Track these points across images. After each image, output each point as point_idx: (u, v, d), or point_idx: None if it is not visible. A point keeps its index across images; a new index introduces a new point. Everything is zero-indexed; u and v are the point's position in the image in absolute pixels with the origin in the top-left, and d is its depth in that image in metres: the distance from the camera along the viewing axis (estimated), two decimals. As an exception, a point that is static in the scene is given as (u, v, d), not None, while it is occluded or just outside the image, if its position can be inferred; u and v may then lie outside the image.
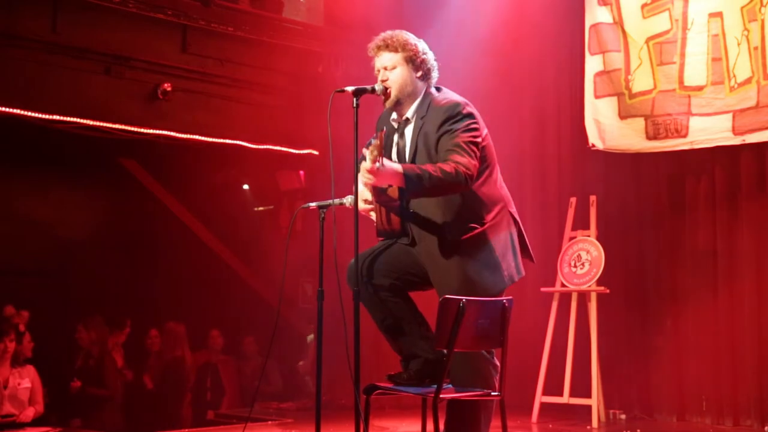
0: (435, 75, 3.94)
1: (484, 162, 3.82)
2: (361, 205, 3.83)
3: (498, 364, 3.84)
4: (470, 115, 3.79)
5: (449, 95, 3.90)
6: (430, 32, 4.21)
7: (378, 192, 3.76)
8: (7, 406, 6.88)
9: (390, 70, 3.85)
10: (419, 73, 3.87)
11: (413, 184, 3.56)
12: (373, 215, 3.90)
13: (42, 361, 7.82)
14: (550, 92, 7.66)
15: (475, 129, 3.78)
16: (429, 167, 3.60)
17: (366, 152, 3.49)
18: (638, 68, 6.89)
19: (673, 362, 6.82)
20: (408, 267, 3.88)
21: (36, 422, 7.10)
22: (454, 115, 3.76)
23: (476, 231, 3.78)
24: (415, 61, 3.85)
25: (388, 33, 3.90)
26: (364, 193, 3.81)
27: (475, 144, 3.74)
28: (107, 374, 8.32)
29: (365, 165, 3.50)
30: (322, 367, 4.06)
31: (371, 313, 3.89)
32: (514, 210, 3.95)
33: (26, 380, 7.04)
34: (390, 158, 3.90)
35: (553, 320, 6.87)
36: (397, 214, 3.85)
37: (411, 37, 3.91)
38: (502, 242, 3.84)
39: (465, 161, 3.64)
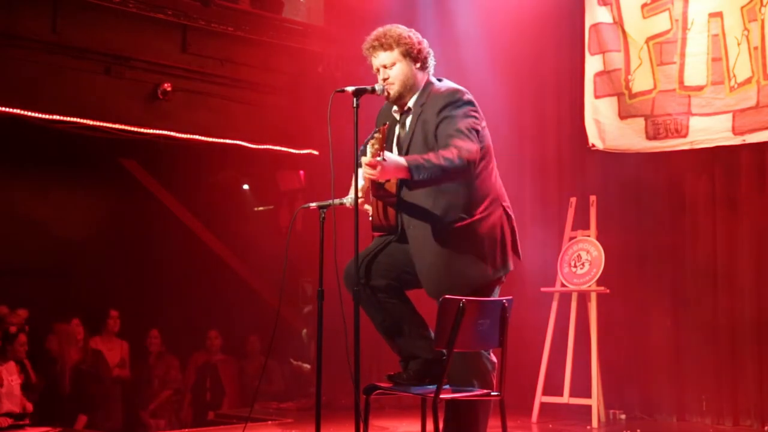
0: (432, 61, 3.94)
1: (481, 153, 3.80)
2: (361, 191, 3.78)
3: (495, 360, 3.84)
4: (470, 102, 3.80)
5: (449, 84, 3.91)
6: (430, 32, 4.21)
7: (376, 186, 3.76)
8: (6, 404, 6.85)
9: (390, 68, 3.85)
10: (418, 65, 3.87)
11: (417, 175, 3.54)
12: (368, 208, 3.88)
13: (42, 360, 7.85)
14: (550, 92, 7.65)
15: (475, 116, 3.78)
16: (431, 156, 3.58)
17: (368, 145, 3.49)
18: (638, 68, 6.89)
19: (673, 362, 6.82)
20: (404, 266, 3.87)
21: (35, 422, 7.09)
22: (454, 101, 3.76)
23: (465, 222, 3.76)
24: (412, 54, 3.85)
25: (380, 31, 3.88)
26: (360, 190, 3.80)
27: (476, 129, 3.74)
28: (101, 374, 8.31)
29: (366, 159, 3.49)
30: (322, 367, 4.06)
31: (369, 314, 3.88)
32: (507, 204, 3.93)
33: (15, 376, 7.01)
34: (391, 149, 3.90)
35: (553, 320, 6.87)
36: (394, 207, 3.84)
37: (403, 30, 3.89)
38: (491, 235, 3.81)
39: (467, 145, 3.63)
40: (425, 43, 3.92)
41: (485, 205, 3.82)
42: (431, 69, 3.94)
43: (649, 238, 7.01)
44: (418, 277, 3.87)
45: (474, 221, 3.77)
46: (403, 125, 3.93)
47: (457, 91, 3.81)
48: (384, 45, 3.84)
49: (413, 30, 3.93)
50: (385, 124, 3.61)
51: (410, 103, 3.89)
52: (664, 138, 6.78)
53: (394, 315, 3.85)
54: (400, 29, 3.89)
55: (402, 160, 3.56)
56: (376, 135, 3.46)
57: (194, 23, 7.62)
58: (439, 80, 3.95)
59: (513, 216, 3.94)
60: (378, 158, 3.43)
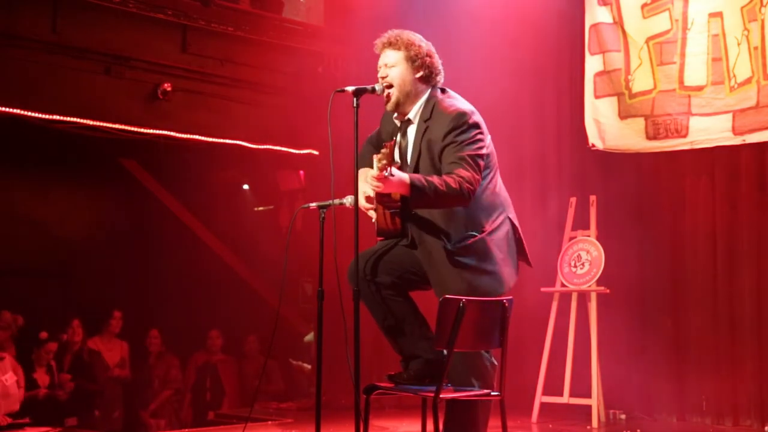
0: (440, 79, 3.93)
1: (486, 169, 3.82)
2: (362, 203, 3.83)
3: (496, 361, 3.84)
4: (476, 125, 3.79)
5: (455, 102, 3.88)
6: (431, 33, 4.20)
7: (380, 194, 3.77)
8: (4, 406, 6.80)
9: (390, 68, 3.86)
10: (420, 74, 3.86)
11: (418, 195, 3.59)
12: (372, 214, 3.89)
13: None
14: (550, 92, 7.65)
15: (480, 140, 3.78)
16: (435, 179, 3.61)
17: (374, 159, 3.50)
18: (638, 68, 6.89)
19: (673, 362, 6.82)
20: (409, 266, 3.89)
21: (36, 422, 7.08)
22: (460, 125, 3.75)
23: (475, 238, 3.79)
24: (416, 61, 3.85)
25: (396, 31, 3.90)
26: (366, 191, 3.81)
27: (480, 157, 3.75)
28: (97, 372, 8.31)
29: (372, 172, 3.51)
30: (322, 367, 4.06)
31: (372, 312, 3.89)
32: (513, 215, 3.96)
33: (9, 373, 6.94)
34: (392, 165, 3.90)
35: (553, 320, 6.87)
36: (398, 215, 3.85)
37: (417, 38, 3.90)
38: (501, 249, 3.85)
39: (468, 176, 3.66)
40: (436, 58, 3.92)
41: (493, 220, 3.85)
42: (438, 85, 3.93)
43: (649, 238, 7.01)
44: (422, 280, 3.89)
45: (484, 236, 3.81)
46: (404, 134, 3.93)
47: (464, 113, 3.78)
48: (393, 44, 3.86)
49: (430, 43, 3.93)
50: (392, 140, 3.64)
51: (411, 114, 3.89)
52: (664, 138, 6.78)
53: (396, 314, 3.86)
54: (414, 36, 3.91)
55: (406, 177, 3.59)
56: (383, 150, 3.48)
57: (194, 23, 7.62)
58: (443, 91, 3.93)
59: (519, 226, 3.96)
60: (385, 173, 3.45)
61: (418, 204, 3.68)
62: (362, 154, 3.99)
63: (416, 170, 3.82)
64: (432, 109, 3.84)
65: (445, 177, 3.64)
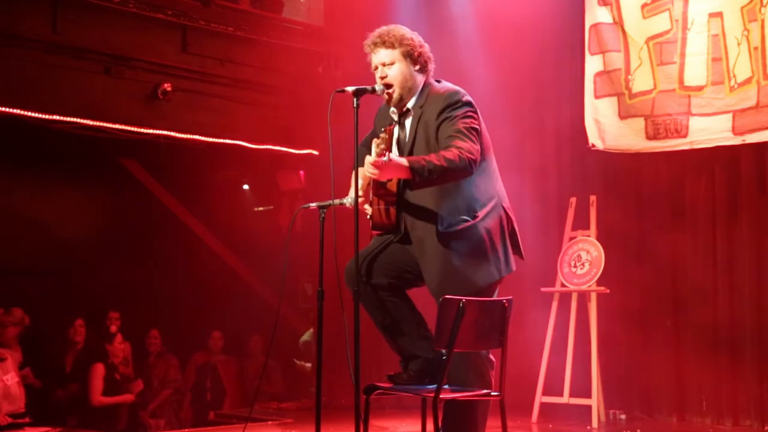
0: (432, 66, 3.95)
1: (480, 153, 3.82)
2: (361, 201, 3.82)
3: (493, 359, 3.85)
4: (469, 103, 3.82)
5: (448, 85, 3.92)
6: (430, 32, 4.21)
7: (377, 185, 3.77)
8: (6, 406, 6.78)
9: (388, 67, 3.86)
10: (417, 67, 3.88)
11: (419, 176, 3.57)
12: (367, 208, 3.89)
13: (38, 360, 7.84)
14: (550, 92, 7.65)
15: (473, 116, 3.80)
16: (432, 157, 3.60)
17: (373, 144, 3.49)
18: (638, 68, 6.89)
19: (673, 362, 6.82)
20: (404, 265, 3.88)
21: (36, 422, 7.07)
22: (454, 103, 3.78)
23: (468, 224, 3.78)
24: (412, 56, 3.86)
25: (384, 29, 3.91)
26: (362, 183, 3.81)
27: (476, 129, 3.76)
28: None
29: (370, 159, 3.50)
30: (322, 367, 4.06)
31: (370, 313, 3.89)
32: (507, 205, 3.94)
33: (11, 374, 6.91)
34: (390, 150, 3.90)
35: (553, 320, 6.87)
36: (393, 207, 3.85)
37: (407, 32, 3.91)
38: (493, 236, 3.83)
39: (467, 146, 3.65)
40: (426, 47, 3.93)
41: (487, 207, 3.84)
42: (431, 73, 3.95)
43: (649, 238, 7.01)
44: (418, 277, 3.88)
45: (477, 223, 3.79)
46: (402, 126, 3.93)
47: (456, 92, 3.83)
48: (386, 43, 3.86)
49: (416, 33, 3.95)
50: (390, 125, 3.63)
51: (409, 105, 3.90)
52: (664, 138, 6.78)
53: (394, 314, 3.86)
54: (404, 30, 3.91)
55: (404, 161, 3.57)
56: (381, 135, 3.47)
57: (194, 23, 7.63)
58: (438, 81, 3.96)
59: (513, 216, 3.95)
60: (383, 158, 3.44)
61: (421, 184, 3.64)
62: (361, 151, 3.99)
63: (411, 153, 3.81)
64: (427, 96, 3.86)
65: (442, 152, 3.63)
